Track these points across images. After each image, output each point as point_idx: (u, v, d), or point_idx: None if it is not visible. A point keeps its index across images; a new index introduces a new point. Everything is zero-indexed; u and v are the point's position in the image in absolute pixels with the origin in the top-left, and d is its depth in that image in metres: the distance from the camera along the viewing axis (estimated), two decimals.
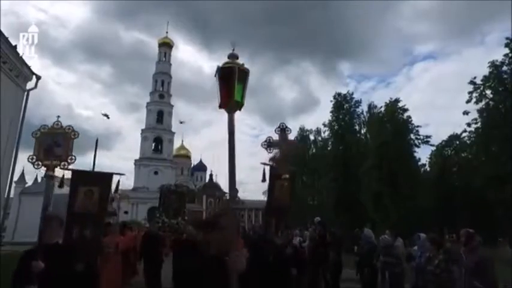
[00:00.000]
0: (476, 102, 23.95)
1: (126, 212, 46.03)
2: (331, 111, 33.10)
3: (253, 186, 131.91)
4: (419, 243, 5.94)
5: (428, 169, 36.08)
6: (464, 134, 28.29)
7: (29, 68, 11.45)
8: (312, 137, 43.19)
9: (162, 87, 59.22)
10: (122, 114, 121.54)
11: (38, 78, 11.93)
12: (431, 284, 5.07)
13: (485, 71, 23.66)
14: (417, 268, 5.56)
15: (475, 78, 24.13)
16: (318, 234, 6.83)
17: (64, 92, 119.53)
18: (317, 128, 42.65)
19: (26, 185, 39.73)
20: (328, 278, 6.78)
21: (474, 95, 24.09)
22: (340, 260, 6.87)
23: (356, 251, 7.75)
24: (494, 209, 22.22)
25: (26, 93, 11.62)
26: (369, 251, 6.51)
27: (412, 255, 6.22)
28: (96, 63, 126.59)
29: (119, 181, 5.61)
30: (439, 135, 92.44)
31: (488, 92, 23.57)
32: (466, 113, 24.88)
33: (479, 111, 23.97)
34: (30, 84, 11.78)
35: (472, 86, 24.15)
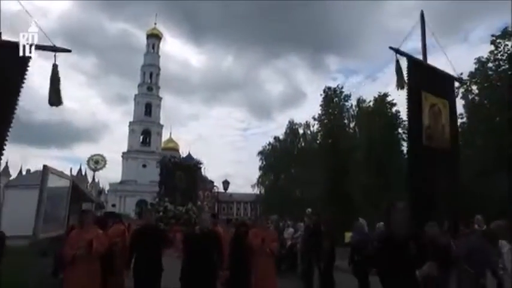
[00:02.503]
0: (463, 98, 24.45)
1: (113, 205, 45.60)
2: (321, 105, 33.31)
3: (240, 180, 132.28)
4: None
5: None
6: None
7: None
8: (301, 131, 43.47)
9: (150, 79, 58.48)
10: (109, 107, 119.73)
11: None
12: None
13: (470, 67, 24.21)
14: None
15: (461, 74, 24.58)
16: (312, 224, 6.94)
17: (47, 83, 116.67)
18: (306, 122, 42.94)
19: (10, 178, 38.89)
20: (322, 267, 6.91)
21: (461, 90, 24.57)
22: (334, 249, 7.01)
23: (348, 242, 7.88)
24: (479, 201, 22.85)
25: None
26: (361, 241, 6.64)
27: None
28: (79, 54, 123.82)
29: None
30: None
31: (474, 87, 24.10)
32: None
33: (465, 106, 24.48)
34: None
35: (458, 82, 24.63)
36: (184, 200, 17.52)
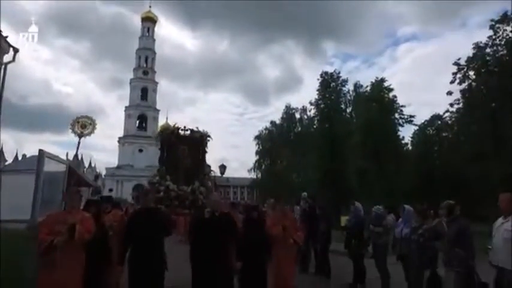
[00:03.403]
0: (460, 83, 24.42)
1: (110, 190, 45.72)
2: (318, 90, 33.18)
3: (236, 164, 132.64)
4: (404, 214, 6.20)
5: (410, 148, 37.06)
6: (446, 114, 28.99)
7: (5, 40, 10.85)
8: (297, 116, 43.45)
9: (146, 64, 57.67)
10: (104, 91, 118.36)
11: (16, 51, 11.32)
12: (415, 252, 5.34)
13: (467, 52, 24.12)
14: (402, 238, 5.82)
15: (459, 59, 24.51)
16: (308, 207, 7.04)
17: (41, 68, 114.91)
18: (303, 107, 42.86)
19: (6, 163, 38.73)
20: (318, 250, 7.03)
21: (458, 76, 24.52)
22: (329, 232, 7.13)
23: (344, 225, 8.00)
24: (473, 186, 23.19)
25: (3, 66, 11.08)
26: (357, 224, 6.75)
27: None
28: (72, 38, 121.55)
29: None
30: (419, 115, 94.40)
31: (471, 73, 24.05)
32: (449, 93, 25.37)
33: (462, 92, 24.50)
34: (7, 58, 11.20)
35: (456, 67, 24.58)
36: (188, 179, 15.34)
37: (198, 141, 17.08)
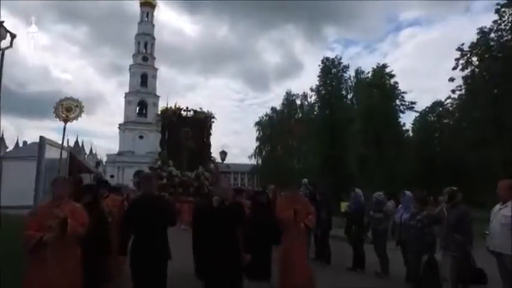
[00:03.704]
0: (462, 70, 24.18)
1: (112, 176, 45.95)
2: (319, 76, 32.98)
3: (237, 151, 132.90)
4: (404, 200, 6.25)
5: (411, 134, 37.02)
6: (448, 101, 28.81)
7: (2, 25, 10.69)
8: (298, 102, 43.25)
9: (145, 49, 57.03)
10: (103, 78, 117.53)
11: (13, 36, 11.16)
12: (413, 238, 5.40)
13: (471, 38, 23.82)
14: (401, 223, 5.88)
15: (462, 44, 24.21)
16: (309, 193, 7.07)
17: (39, 54, 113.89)
18: (304, 93, 42.61)
19: (7, 150, 38.86)
20: (318, 236, 7.11)
21: (461, 61, 24.26)
22: (330, 218, 7.19)
23: (345, 211, 8.07)
24: (473, 172, 23.27)
25: (0, 52, 10.96)
26: (357, 210, 6.80)
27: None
28: (70, 24, 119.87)
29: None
30: (421, 102, 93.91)
31: (474, 59, 23.79)
32: (451, 79, 25.15)
33: (464, 78, 24.28)
34: (4, 43, 11.04)
35: (459, 53, 24.30)
36: (192, 164, 14.28)
37: (202, 122, 15.61)
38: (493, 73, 22.08)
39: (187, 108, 15.87)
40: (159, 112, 17.24)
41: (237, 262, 3.69)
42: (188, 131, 14.58)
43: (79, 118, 5.50)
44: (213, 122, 16.90)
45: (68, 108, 5.55)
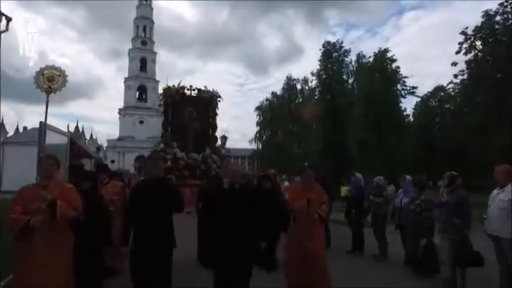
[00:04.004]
0: (466, 54, 23.87)
1: (112, 161, 46.11)
2: (320, 60, 32.59)
3: (237, 135, 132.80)
4: (404, 184, 6.27)
5: (412, 119, 36.90)
6: (449, 86, 28.58)
7: None
8: (299, 86, 42.92)
9: (144, 33, 56.21)
10: (103, 62, 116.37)
11: (9, 19, 10.99)
12: (412, 222, 5.46)
13: (475, 22, 23.40)
14: (401, 208, 5.93)
15: (466, 28, 23.84)
16: None
17: (36, 38, 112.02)
18: (304, 77, 42.23)
19: (8, 135, 38.88)
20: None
21: (464, 46, 23.92)
22: (330, 202, 7.22)
23: (345, 195, 8.12)
24: (473, 157, 23.31)
25: None
26: (357, 194, 6.85)
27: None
28: (67, 7, 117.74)
29: None
30: (422, 87, 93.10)
31: (478, 43, 23.46)
32: (454, 64, 24.86)
33: (468, 62, 23.99)
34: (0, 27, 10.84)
35: (463, 37, 23.92)
36: (197, 146, 13.56)
37: (207, 102, 14.77)
38: (497, 57, 21.78)
39: (191, 87, 15.20)
40: (161, 91, 16.31)
41: (249, 249, 3.38)
42: (192, 111, 13.70)
43: (62, 89, 5.02)
44: (219, 101, 16.11)
45: (49, 78, 5.02)
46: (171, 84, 15.90)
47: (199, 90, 15.13)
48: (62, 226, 2.89)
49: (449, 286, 4.64)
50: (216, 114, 15.25)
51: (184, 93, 14.68)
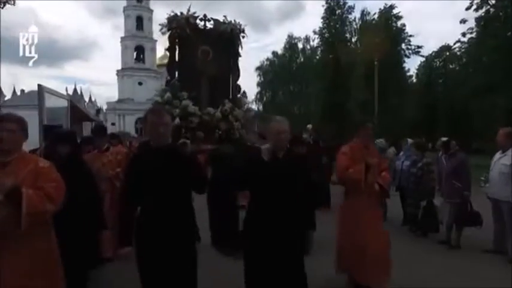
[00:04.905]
0: (477, 9, 22.80)
1: (113, 124, 46.09)
2: (322, 17, 31.42)
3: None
4: (406, 147, 6.30)
5: (414, 80, 36.26)
6: (456, 45, 27.70)
7: None
8: (300, 45, 41.70)
9: None
10: (97, 21, 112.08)
11: None
12: (413, 185, 5.55)
13: None
14: (401, 170, 6.00)
15: None
16: (312, 140, 7.12)
17: None
18: (306, 36, 40.87)
19: (5, 98, 38.50)
20: (320, 181, 7.28)
21: (475, 1, 22.81)
22: (331, 163, 7.29)
23: None
24: (475, 119, 23.19)
25: None
26: None
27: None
28: None
29: None
30: (427, 46, 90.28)
31: None
32: (463, 21, 23.87)
33: (477, 19, 23.01)
34: None
35: None
36: (214, 98, 10.38)
37: (227, 38, 10.78)
38: (509, 13, 20.84)
39: (205, 16, 10.71)
40: (165, 20, 10.74)
41: (297, 233, 2.39)
42: (208, 51, 10.28)
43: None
44: (243, 38, 11.55)
45: None
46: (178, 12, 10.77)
47: (216, 21, 10.83)
48: (35, 227, 1.83)
49: (444, 246, 4.83)
50: (238, 55, 11.18)
51: (197, 26, 10.59)
